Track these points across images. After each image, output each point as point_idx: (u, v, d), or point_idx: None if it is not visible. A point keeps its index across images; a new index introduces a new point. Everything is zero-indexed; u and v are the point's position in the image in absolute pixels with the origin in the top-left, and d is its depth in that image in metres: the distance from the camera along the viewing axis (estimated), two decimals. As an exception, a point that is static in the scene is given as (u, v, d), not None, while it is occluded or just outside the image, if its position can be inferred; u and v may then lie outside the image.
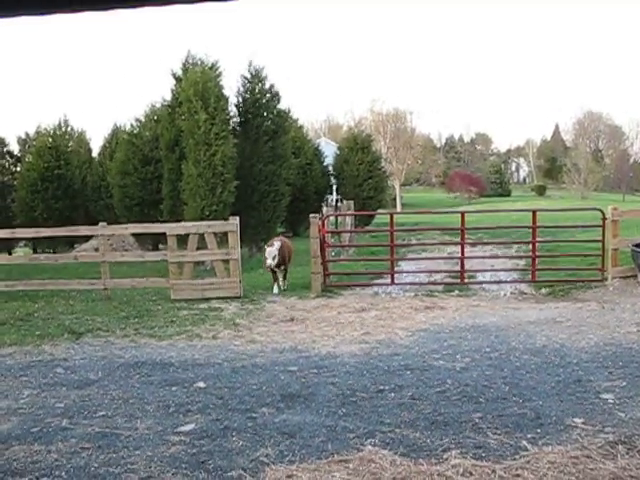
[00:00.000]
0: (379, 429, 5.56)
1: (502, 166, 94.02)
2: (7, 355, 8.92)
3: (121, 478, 4.80)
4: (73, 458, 5.19)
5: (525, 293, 12.69)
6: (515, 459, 4.84)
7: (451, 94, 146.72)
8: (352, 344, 8.72)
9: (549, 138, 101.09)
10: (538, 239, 13.89)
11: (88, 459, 5.16)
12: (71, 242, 25.89)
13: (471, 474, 4.61)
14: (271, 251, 13.07)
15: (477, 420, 5.69)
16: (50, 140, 26.92)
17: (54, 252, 23.76)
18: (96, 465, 5.04)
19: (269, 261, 13.03)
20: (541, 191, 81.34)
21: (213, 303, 12.23)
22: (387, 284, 13.76)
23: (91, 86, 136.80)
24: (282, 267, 13.47)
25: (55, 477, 4.86)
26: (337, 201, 30.23)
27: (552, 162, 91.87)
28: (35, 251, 26.10)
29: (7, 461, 5.19)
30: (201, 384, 7.06)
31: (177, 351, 8.71)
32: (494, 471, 4.63)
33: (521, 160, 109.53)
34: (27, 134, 29.80)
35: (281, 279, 13.73)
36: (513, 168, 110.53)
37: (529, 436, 5.27)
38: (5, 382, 7.55)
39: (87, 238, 24.05)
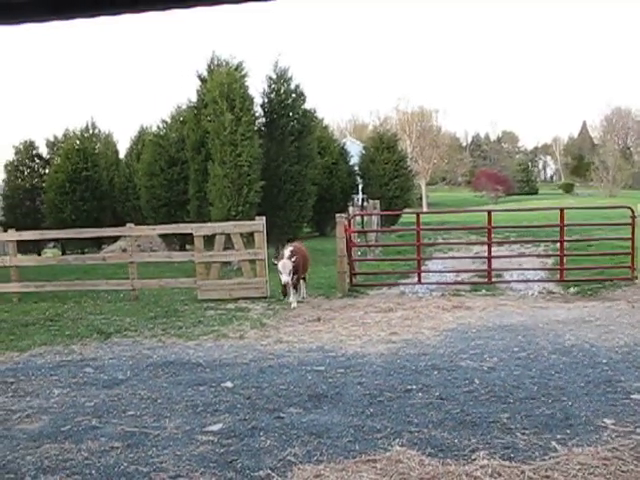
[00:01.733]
0: (407, 429, 5.54)
1: (529, 164, 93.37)
2: (37, 355, 9.03)
3: (150, 477, 4.84)
4: (103, 457, 5.24)
5: (553, 292, 12.57)
6: (544, 460, 4.80)
7: (477, 92, 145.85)
8: (379, 344, 8.70)
9: (576, 135, 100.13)
10: (566, 238, 13.75)
11: (117, 458, 5.21)
12: (99, 243, 26.14)
13: (499, 475, 4.58)
14: (286, 264, 11.40)
15: (505, 420, 5.65)
16: (78, 142, 27.21)
17: (82, 253, 24.03)
18: (125, 464, 5.08)
19: (284, 277, 11.40)
20: (568, 189, 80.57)
21: (240, 303, 12.28)
22: (414, 284, 13.72)
23: (118, 89, 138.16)
24: (294, 277, 11.83)
25: (86, 475, 4.91)
26: (363, 201, 30.16)
27: (580, 160, 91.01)
28: (64, 252, 26.37)
29: (39, 459, 5.25)
30: (229, 384, 7.08)
31: (205, 351, 8.75)
32: (523, 472, 4.59)
33: (548, 158, 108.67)
34: (55, 137, 30.12)
35: (302, 289, 12.61)
36: (540, 166, 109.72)
37: (558, 437, 5.22)
38: (36, 381, 7.65)
39: (115, 239, 24.28)
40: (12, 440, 5.71)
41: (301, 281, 12.50)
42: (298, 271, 11.87)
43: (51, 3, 2.35)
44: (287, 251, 11.77)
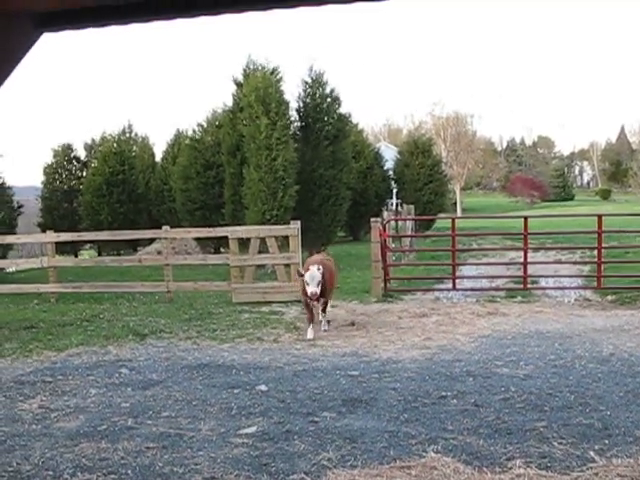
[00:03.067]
0: (441, 435, 5.50)
1: (565, 170, 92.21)
2: (75, 355, 9.15)
3: (185, 478, 4.87)
4: (139, 457, 5.28)
5: (590, 300, 12.39)
6: (582, 471, 4.72)
7: (513, 97, 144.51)
8: (413, 349, 8.67)
9: (614, 140, 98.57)
10: (604, 245, 13.55)
11: (153, 458, 5.25)
12: (134, 245, 26.39)
13: (536, 484, 4.52)
14: (314, 275, 9.60)
15: (542, 429, 5.58)
16: (115, 146, 27.52)
17: (118, 255, 24.26)
18: (161, 464, 5.12)
19: (312, 288, 9.52)
20: (606, 195, 79.32)
21: (274, 307, 12.31)
22: (448, 289, 13.63)
23: (154, 93, 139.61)
24: (322, 299, 10.06)
25: (122, 475, 4.95)
26: (397, 205, 30.07)
27: (617, 165, 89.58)
28: (100, 254, 26.68)
29: (76, 457, 5.32)
30: (263, 387, 7.10)
31: (239, 354, 8.79)
32: (560, 482, 4.53)
33: (585, 163, 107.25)
34: (93, 140, 30.50)
35: (321, 316, 10.42)
36: (576, 172, 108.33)
37: (596, 447, 5.14)
38: (73, 381, 7.74)
39: (150, 241, 24.50)
40: (50, 438, 5.79)
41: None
42: (326, 290, 9.94)
43: (153, 4, 2.43)
44: (315, 266, 9.84)
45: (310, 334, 9.67)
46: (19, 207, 23.41)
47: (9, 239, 16.79)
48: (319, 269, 9.71)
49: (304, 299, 10.07)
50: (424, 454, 5.11)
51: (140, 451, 5.41)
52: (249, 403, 6.60)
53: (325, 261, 10.53)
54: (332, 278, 10.45)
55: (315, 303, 9.97)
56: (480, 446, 5.25)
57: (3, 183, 22.40)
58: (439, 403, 6.39)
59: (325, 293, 9.97)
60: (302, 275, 9.86)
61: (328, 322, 10.54)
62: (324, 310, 10.37)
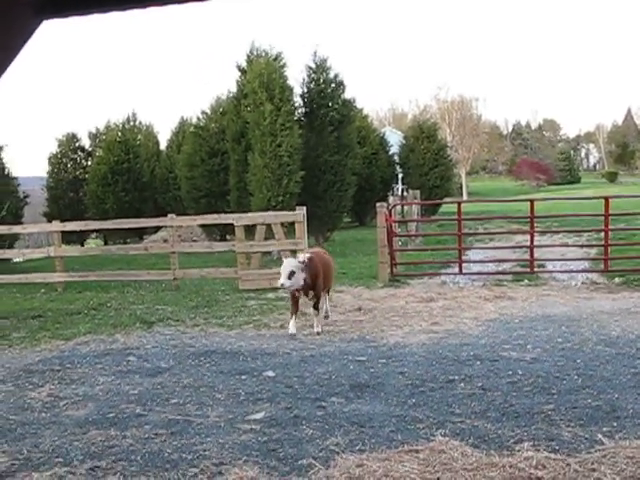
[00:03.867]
0: (449, 419, 5.50)
1: (571, 152, 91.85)
2: (82, 343, 9.18)
3: (194, 464, 4.88)
4: (147, 444, 5.30)
5: (597, 283, 12.36)
6: (590, 453, 4.71)
7: (517, 79, 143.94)
8: (420, 334, 8.66)
9: (620, 122, 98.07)
10: (611, 227, 13.50)
11: (162, 445, 5.27)
12: (140, 234, 26.47)
13: (544, 467, 4.51)
14: (288, 264, 8.79)
15: (549, 412, 5.57)
16: (119, 134, 27.57)
17: (124, 243, 24.32)
18: (169, 451, 5.14)
19: (282, 280, 8.67)
20: (612, 178, 78.96)
21: (280, 293, 12.29)
22: (455, 273, 13.61)
23: (158, 80, 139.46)
24: (311, 293, 9.09)
25: (131, 461, 4.97)
26: (403, 190, 30.05)
27: (624, 147, 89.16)
28: (106, 243, 26.76)
29: (86, 444, 5.34)
30: (270, 373, 7.11)
31: (246, 340, 8.81)
32: (568, 465, 4.52)
33: (591, 146, 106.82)
34: (97, 129, 30.54)
35: (325, 307, 9.80)
36: (582, 154, 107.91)
37: (605, 429, 5.13)
38: (81, 369, 7.77)
39: (156, 230, 24.59)
40: (60, 426, 5.82)
41: (323, 298, 9.60)
42: (315, 284, 8.98)
43: None
44: (302, 255, 9.11)
45: (292, 328, 8.89)
46: (25, 197, 23.48)
47: (15, 229, 16.84)
48: (302, 260, 8.80)
49: (291, 292, 9.12)
50: (432, 438, 5.11)
51: (149, 438, 5.43)
52: (257, 389, 6.62)
53: (320, 253, 9.70)
54: (327, 272, 9.38)
55: (297, 294, 9.03)
56: (488, 429, 5.25)
57: (8, 173, 22.44)
58: (446, 387, 6.38)
59: (315, 287, 8.99)
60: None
61: (326, 317, 9.73)
62: (315, 307, 9.22)
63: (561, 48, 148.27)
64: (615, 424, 5.23)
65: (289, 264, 8.72)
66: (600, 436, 5.00)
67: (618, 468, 4.43)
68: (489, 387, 6.31)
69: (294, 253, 12.74)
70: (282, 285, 8.74)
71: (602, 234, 13.74)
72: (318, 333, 8.99)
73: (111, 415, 6.05)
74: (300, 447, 5.08)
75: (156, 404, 6.31)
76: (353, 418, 5.62)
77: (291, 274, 8.61)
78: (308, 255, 9.06)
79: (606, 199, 13.05)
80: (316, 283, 8.99)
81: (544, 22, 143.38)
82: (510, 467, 4.53)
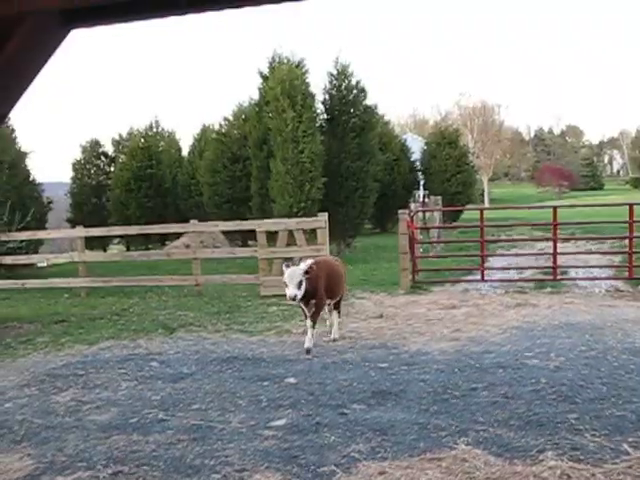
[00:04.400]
0: (472, 427, 5.46)
1: (594, 159, 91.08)
2: (105, 348, 9.24)
3: (216, 470, 4.89)
4: (170, 449, 5.32)
5: (621, 290, 12.23)
6: (616, 463, 4.66)
7: (540, 85, 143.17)
8: (442, 341, 8.62)
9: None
10: (635, 234, 13.36)
11: (184, 450, 5.28)
12: (162, 239, 26.59)
13: (569, 477, 4.46)
14: (294, 274, 8.00)
15: (573, 421, 5.51)
16: (142, 141, 27.76)
17: (147, 249, 24.46)
18: (192, 456, 5.16)
19: (291, 290, 7.89)
20: (636, 184, 78.11)
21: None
22: (477, 280, 13.55)
23: (180, 88, 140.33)
24: (312, 301, 8.28)
25: (153, 466, 4.99)
26: (424, 197, 29.95)
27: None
28: (128, 248, 26.92)
29: (109, 449, 5.38)
30: (292, 379, 7.11)
31: (268, 347, 8.81)
32: (593, 475, 4.47)
33: (615, 152, 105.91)
34: (120, 135, 30.75)
35: (334, 322, 9.11)
36: (606, 160, 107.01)
37: (630, 440, 5.06)
38: (104, 374, 7.82)
39: (178, 235, 24.67)
40: (83, 430, 5.86)
41: (334, 313, 9.12)
42: (317, 293, 8.25)
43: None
44: (305, 262, 8.31)
45: (308, 342, 8.21)
46: (49, 203, 23.66)
47: (40, 234, 17.00)
48: (308, 267, 8.06)
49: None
50: (454, 446, 5.08)
51: (171, 443, 5.45)
52: (278, 395, 6.62)
53: (328, 260, 9.31)
54: (333, 280, 8.68)
55: (302, 304, 8.32)
56: (511, 438, 5.21)
57: (33, 179, 22.64)
58: (469, 395, 6.34)
59: (316, 297, 8.27)
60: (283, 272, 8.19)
61: (334, 340, 8.92)
62: (313, 318, 8.36)
63: (584, 53, 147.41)
64: (641, 434, 5.17)
65: (295, 273, 7.95)
66: (626, 446, 4.94)
67: (644, 479, 4.38)
68: (512, 395, 6.26)
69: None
70: (294, 297, 7.90)
71: (626, 241, 13.61)
72: (308, 351, 8.14)
73: (134, 420, 6.08)
74: (322, 454, 5.07)
75: (178, 409, 6.33)
76: (375, 425, 5.60)
77: (300, 284, 7.91)
78: (313, 262, 8.29)
79: (630, 206, 12.93)
80: (317, 292, 8.24)
81: (567, 28, 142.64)
82: (534, 477, 4.49)
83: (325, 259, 9.41)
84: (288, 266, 8.17)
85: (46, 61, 2.71)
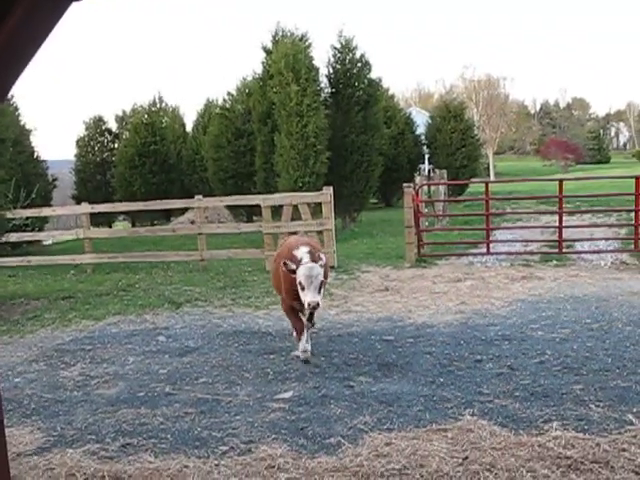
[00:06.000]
0: (477, 399, 5.50)
1: (600, 132, 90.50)
2: (112, 324, 9.29)
3: (223, 442, 4.94)
4: (177, 422, 5.37)
5: (627, 263, 12.20)
6: (620, 433, 4.69)
7: (546, 58, 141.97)
8: (448, 314, 8.65)
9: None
10: (641, 206, 13.28)
11: (191, 423, 5.33)
12: (167, 215, 26.63)
13: (573, 446, 4.49)
14: (314, 272, 6.22)
15: (578, 392, 5.54)
16: (146, 117, 27.64)
17: (152, 225, 24.48)
18: (199, 429, 5.20)
19: (313, 297, 6.17)
20: (643, 157, 77.76)
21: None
22: (482, 254, 13.54)
23: (184, 63, 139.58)
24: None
25: (161, 439, 5.04)
26: (429, 171, 29.85)
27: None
28: (134, 224, 26.96)
29: (117, 422, 5.43)
30: (298, 352, 7.14)
31: (274, 320, 8.85)
32: (598, 444, 4.50)
33: (621, 125, 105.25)
34: (124, 112, 30.68)
35: (313, 325, 7.56)
36: (612, 133, 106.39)
37: (635, 410, 5.09)
38: (112, 349, 7.88)
39: (183, 211, 24.70)
40: (92, 404, 5.92)
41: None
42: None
43: None
44: (303, 250, 6.48)
45: (302, 346, 6.79)
46: (54, 180, 23.66)
47: (45, 211, 17.00)
48: (320, 261, 6.38)
49: (287, 305, 6.91)
50: (460, 417, 5.11)
51: (179, 416, 5.50)
52: (285, 368, 6.66)
53: (312, 242, 7.27)
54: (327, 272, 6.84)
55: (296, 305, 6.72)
56: (516, 409, 5.24)
57: (37, 157, 22.62)
58: (474, 367, 6.38)
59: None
60: (292, 271, 6.34)
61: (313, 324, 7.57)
62: (311, 320, 7.26)
63: (591, 25, 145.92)
64: (645, 404, 5.19)
65: (314, 272, 6.20)
66: (630, 416, 4.97)
67: (649, 448, 4.40)
68: (517, 367, 6.29)
69: (321, 234, 12.73)
70: (317, 306, 6.19)
71: (632, 214, 13.55)
72: (306, 361, 6.76)
73: (141, 394, 6.13)
74: (328, 426, 5.11)
75: (185, 383, 6.38)
76: (381, 397, 5.64)
77: (321, 286, 6.30)
78: (309, 249, 6.50)
79: (637, 178, 12.87)
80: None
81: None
82: (539, 446, 4.52)
83: (309, 241, 7.10)
84: (292, 269, 6.31)
85: (47, 35, 2.68)
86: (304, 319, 6.94)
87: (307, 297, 6.16)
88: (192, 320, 9.20)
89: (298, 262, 6.32)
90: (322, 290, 6.36)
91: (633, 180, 12.89)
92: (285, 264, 6.35)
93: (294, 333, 7.12)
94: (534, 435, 4.72)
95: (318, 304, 6.17)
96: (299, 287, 6.24)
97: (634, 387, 5.59)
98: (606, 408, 5.16)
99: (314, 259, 6.34)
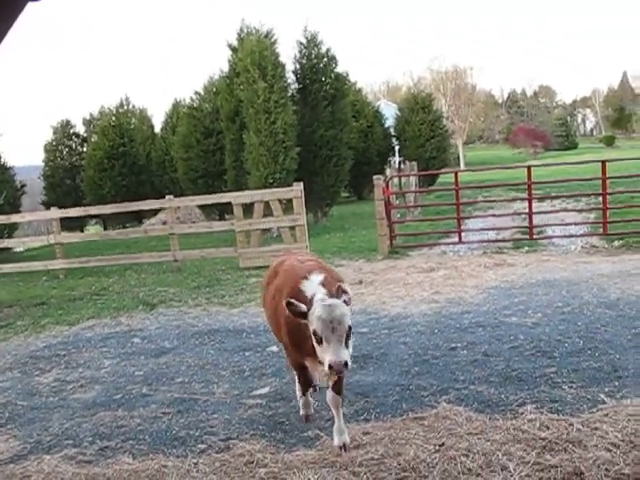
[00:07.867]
0: (453, 386, 5.55)
1: (568, 118, 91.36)
2: (87, 328, 9.24)
3: (201, 440, 4.94)
4: (155, 422, 5.37)
5: (596, 246, 12.36)
6: (593, 412, 4.77)
7: (512, 47, 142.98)
8: (422, 304, 8.70)
9: (616, 86, 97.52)
10: (609, 190, 13.47)
11: (169, 423, 5.33)
12: (139, 218, 26.45)
13: (548, 428, 4.56)
14: (335, 314, 4.02)
15: (552, 375, 5.62)
16: (113, 119, 27.46)
17: (124, 228, 24.33)
18: (177, 429, 5.20)
19: (341, 356, 3.91)
20: (610, 142, 78.60)
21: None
22: (454, 243, 13.63)
23: (150, 63, 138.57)
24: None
25: (140, 440, 5.04)
26: (400, 163, 29.95)
27: (620, 111, 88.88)
28: (105, 228, 26.77)
29: (95, 426, 5.41)
30: (274, 348, 7.15)
31: (249, 317, 8.85)
32: (571, 424, 4.57)
33: (587, 111, 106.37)
34: (91, 115, 30.46)
35: (344, 401, 4.80)
36: (579, 120, 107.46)
37: (607, 389, 5.18)
38: (87, 353, 7.83)
39: (155, 213, 24.57)
40: (68, 409, 5.89)
41: None
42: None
43: None
44: (315, 279, 4.49)
45: (305, 405, 5.07)
46: (22, 187, 23.40)
47: (14, 218, 16.83)
48: (344, 295, 4.34)
49: (296, 362, 4.80)
50: (436, 405, 5.16)
51: (156, 417, 5.49)
52: (261, 365, 6.67)
53: (328, 269, 5.08)
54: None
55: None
56: (491, 394, 5.30)
57: (4, 163, 22.35)
58: (449, 355, 6.43)
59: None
60: (302, 314, 4.16)
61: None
62: (339, 390, 4.56)
63: (555, 13, 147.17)
64: (617, 384, 5.28)
65: (339, 313, 4.10)
66: (602, 396, 5.05)
67: (620, 425, 4.48)
68: (491, 353, 6.36)
69: (293, 229, 12.74)
70: (344, 368, 3.93)
71: (600, 198, 13.71)
72: (307, 418, 5.07)
73: (118, 396, 6.11)
74: (306, 419, 5.12)
75: (162, 384, 6.37)
76: (357, 389, 5.67)
77: (347, 337, 4.12)
78: (323, 275, 4.58)
79: (603, 162, 13.03)
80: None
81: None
82: (514, 429, 4.59)
83: (318, 264, 5.07)
84: (301, 312, 4.15)
85: (3, 37, 2.66)
86: (317, 380, 5.00)
87: (327, 354, 3.95)
88: (167, 321, 9.18)
89: (309, 301, 4.19)
90: (350, 342, 4.20)
91: (599, 164, 13.05)
92: (290, 305, 4.14)
93: (296, 387, 5.28)
94: (509, 419, 4.78)
95: (347, 364, 3.94)
96: (314, 339, 4.07)
97: (605, 367, 5.67)
98: (579, 389, 5.24)
99: (334, 293, 4.31)
